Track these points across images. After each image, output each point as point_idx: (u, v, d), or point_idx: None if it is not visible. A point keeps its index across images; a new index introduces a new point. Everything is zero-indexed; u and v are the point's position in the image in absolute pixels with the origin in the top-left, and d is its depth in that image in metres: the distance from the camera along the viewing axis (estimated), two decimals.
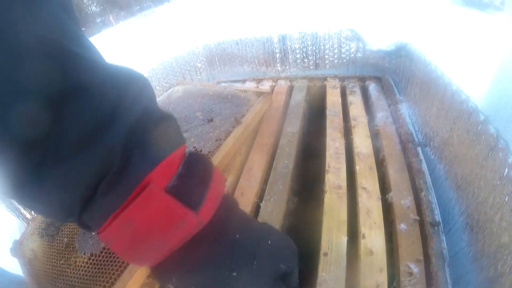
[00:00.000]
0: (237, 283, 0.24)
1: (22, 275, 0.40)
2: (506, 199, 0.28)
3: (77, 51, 0.19)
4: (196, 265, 0.25)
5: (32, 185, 0.19)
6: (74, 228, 0.40)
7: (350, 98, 0.51)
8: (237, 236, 0.26)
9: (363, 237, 0.32)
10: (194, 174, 0.24)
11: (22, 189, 0.20)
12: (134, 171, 0.21)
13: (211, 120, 0.46)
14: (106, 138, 0.20)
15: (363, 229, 0.33)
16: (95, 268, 0.34)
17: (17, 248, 0.42)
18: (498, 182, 0.29)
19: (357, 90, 0.53)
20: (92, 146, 0.19)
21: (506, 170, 0.28)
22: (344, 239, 0.33)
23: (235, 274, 0.24)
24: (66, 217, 0.22)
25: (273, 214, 0.35)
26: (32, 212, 0.49)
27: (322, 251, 0.32)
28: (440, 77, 0.39)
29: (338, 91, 0.54)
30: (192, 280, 0.25)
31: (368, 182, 0.38)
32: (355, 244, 0.33)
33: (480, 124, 0.32)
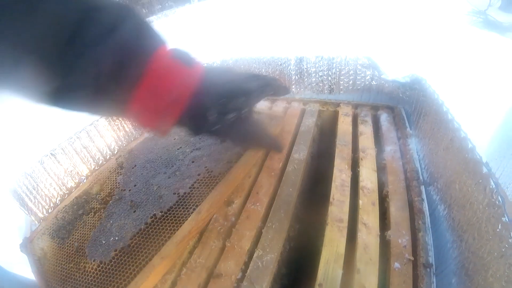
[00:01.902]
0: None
1: (28, 277, 0.42)
2: (495, 255, 0.29)
3: None
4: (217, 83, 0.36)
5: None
6: (85, 234, 0.43)
7: (361, 128, 0.53)
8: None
9: (358, 272, 0.34)
10: (182, 51, 0.35)
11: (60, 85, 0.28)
12: (145, 49, 0.31)
13: (224, 140, 0.49)
14: (121, 31, 0.28)
15: (359, 264, 0.35)
16: (103, 275, 0.36)
17: (27, 245, 0.45)
18: (491, 237, 0.30)
19: (369, 119, 0.55)
20: (112, 36, 0.28)
21: (499, 227, 0.29)
22: (339, 272, 0.34)
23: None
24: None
25: (273, 241, 0.37)
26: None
27: (317, 282, 0.33)
28: (450, 121, 0.40)
29: (349, 119, 0.55)
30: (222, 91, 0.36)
31: (369, 218, 0.39)
32: (349, 278, 0.34)
33: (482, 177, 0.33)
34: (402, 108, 0.56)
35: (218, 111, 0.35)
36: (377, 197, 0.42)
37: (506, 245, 0.27)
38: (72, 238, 0.43)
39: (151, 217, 0.40)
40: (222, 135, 0.43)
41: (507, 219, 0.28)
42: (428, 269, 0.36)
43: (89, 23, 0.27)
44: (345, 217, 0.39)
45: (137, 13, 0.32)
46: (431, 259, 0.37)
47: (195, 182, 0.42)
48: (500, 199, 0.30)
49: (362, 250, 0.36)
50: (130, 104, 0.31)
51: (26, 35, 0.25)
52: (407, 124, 0.53)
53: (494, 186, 0.31)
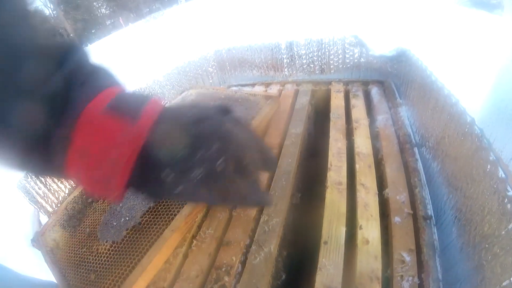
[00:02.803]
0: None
1: (37, 277, 0.42)
2: (488, 193, 0.31)
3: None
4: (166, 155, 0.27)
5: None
6: (96, 219, 0.44)
7: (353, 102, 0.55)
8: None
9: (360, 228, 0.36)
10: (128, 99, 0.28)
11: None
12: (73, 104, 0.25)
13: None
14: (48, 86, 0.24)
15: (361, 221, 0.36)
16: (116, 254, 0.37)
17: (39, 239, 0.46)
18: (482, 178, 0.32)
19: (360, 93, 0.57)
20: (37, 91, 0.24)
21: (489, 167, 0.31)
22: (343, 229, 0.36)
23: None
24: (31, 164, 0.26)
25: (277, 207, 0.39)
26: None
27: (322, 240, 0.35)
28: (434, 82, 0.42)
29: (342, 94, 0.57)
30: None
31: (366, 179, 0.41)
32: (353, 234, 0.36)
33: (467, 125, 0.35)
34: (392, 82, 0.58)
35: (177, 169, 0.27)
36: (373, 161, 0.43)
37: (497, 181, 0.29)
38: (84, 225, 0.44)
39: None
40: (190, 198, 0.32)
41: (494, 158, 0.30)
42: (428, 221, 0.37)
43: (21, 71, 0.22)
44: (344, 180, 0.41)
45: (80, 53, 0.27)
46: (430, 212, 0.38)
47: None
48: (485, 141, 0.32)
49: (363, 208, 0.38)
50: (66, 168, 0.26)
51: None
52: (397, 95, 0.55)
53: (479, 131, 0.33)
